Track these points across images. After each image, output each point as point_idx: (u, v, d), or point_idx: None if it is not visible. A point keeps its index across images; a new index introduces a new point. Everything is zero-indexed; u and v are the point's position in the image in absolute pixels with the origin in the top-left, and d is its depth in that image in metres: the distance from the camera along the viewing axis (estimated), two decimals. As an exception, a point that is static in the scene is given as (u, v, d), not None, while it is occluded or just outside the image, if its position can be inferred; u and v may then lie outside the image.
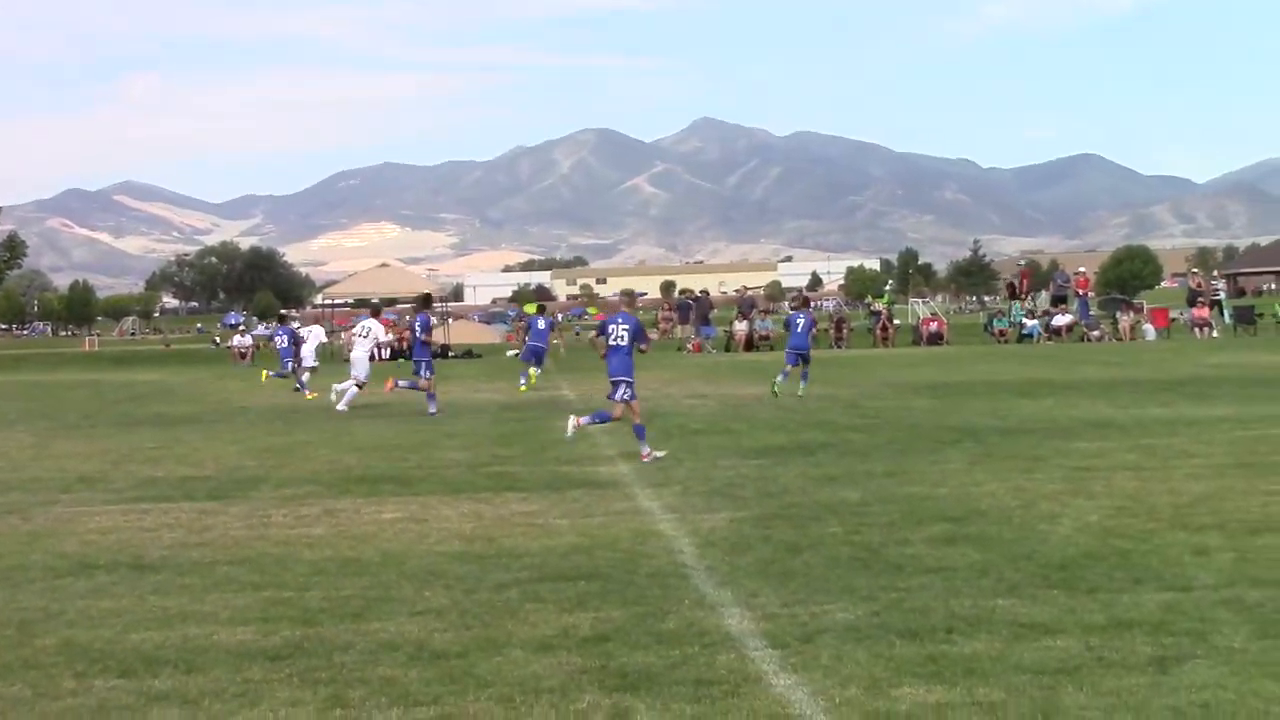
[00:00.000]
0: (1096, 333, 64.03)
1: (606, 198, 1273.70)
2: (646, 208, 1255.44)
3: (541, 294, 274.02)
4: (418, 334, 32.66)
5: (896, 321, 71.81)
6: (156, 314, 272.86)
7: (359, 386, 32.98)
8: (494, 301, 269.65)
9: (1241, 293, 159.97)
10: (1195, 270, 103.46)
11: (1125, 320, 66.71)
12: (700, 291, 74.63)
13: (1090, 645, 9.25)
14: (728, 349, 63.40)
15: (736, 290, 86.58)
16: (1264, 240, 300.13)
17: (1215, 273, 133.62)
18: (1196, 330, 64.88)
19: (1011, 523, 14.16)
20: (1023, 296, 75.89)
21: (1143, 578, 11.33)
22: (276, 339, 44.77)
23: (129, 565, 13.14)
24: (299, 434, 26.37)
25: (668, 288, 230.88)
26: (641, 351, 22.39)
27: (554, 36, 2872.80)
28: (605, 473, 19.33)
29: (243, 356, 67.48)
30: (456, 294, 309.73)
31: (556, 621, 10.34)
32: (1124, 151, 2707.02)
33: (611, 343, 21.84)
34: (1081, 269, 78.33)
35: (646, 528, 14.54)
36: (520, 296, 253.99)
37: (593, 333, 26.38)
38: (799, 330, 33.74)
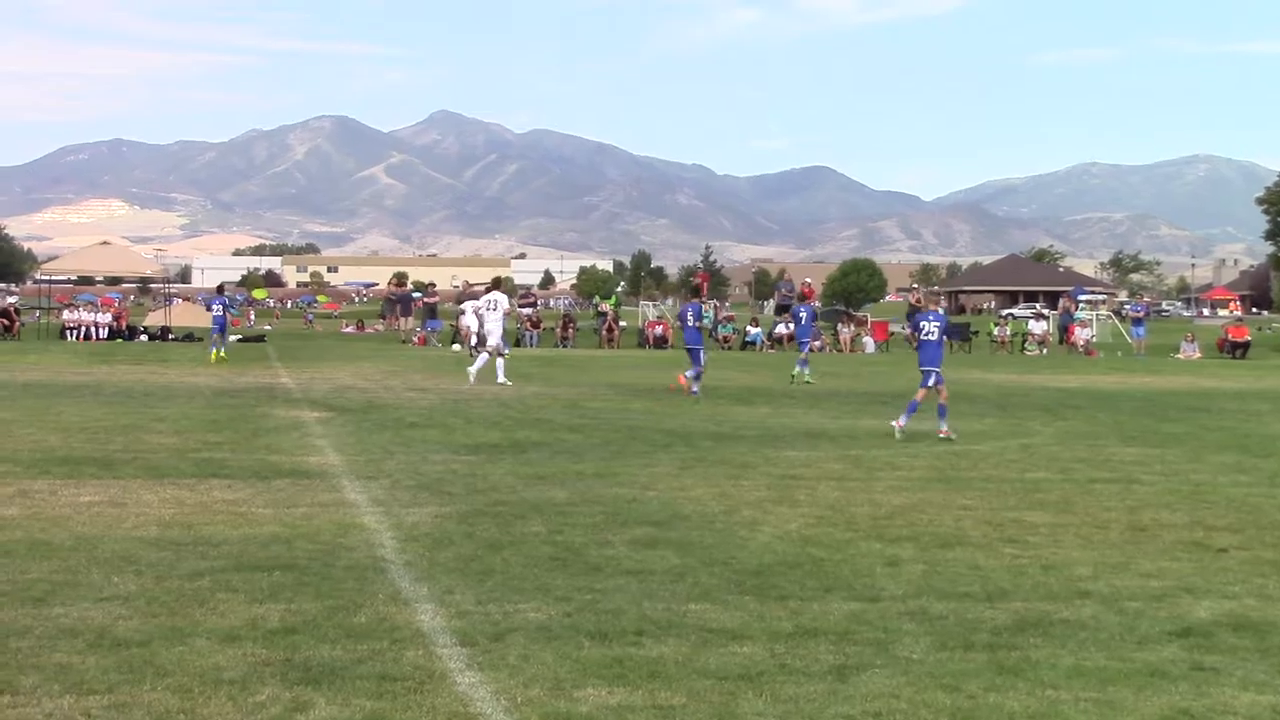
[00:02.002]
0: (818, 343, 65.10)
1: (342, 186, 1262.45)
2: (382, 198, 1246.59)
3: (271, 279, 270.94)
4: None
5: (623, 323, 72.29)
6: None
7: (501, 355, 36.16)
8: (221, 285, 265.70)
9: (962, 310, 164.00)
10: (916, 285, 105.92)
11: (846, 332, 67.99)
12: (429, 285, 74.25)
13: (774, 652, 9.38)
14: (454, 342, 63.19)
15: (456, 285, 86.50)
16: (986, 259, 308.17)
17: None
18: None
19: (713, 528, 14.31)
20: (704, 300, 77.21)
21: (833, 586, 11.53)
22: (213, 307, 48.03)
23: None
24: (2, 412, 25.64)
25: (400, 279, 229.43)
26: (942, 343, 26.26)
27: (294, 20, 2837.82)
28: (314, 463, 19.13)
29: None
30: (184, 276, 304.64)
31: (246, 612, 10.19)
32: (856, 166, 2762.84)
33: (923, 337, 25.17)
34: (807, 279, 79.69)
35: (350, 520, 14.41)
36: (249, 281, 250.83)
37: (908, 330, 29.71)
38: (803, 323, 40.35)
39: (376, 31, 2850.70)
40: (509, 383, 34.92)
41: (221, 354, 45.22)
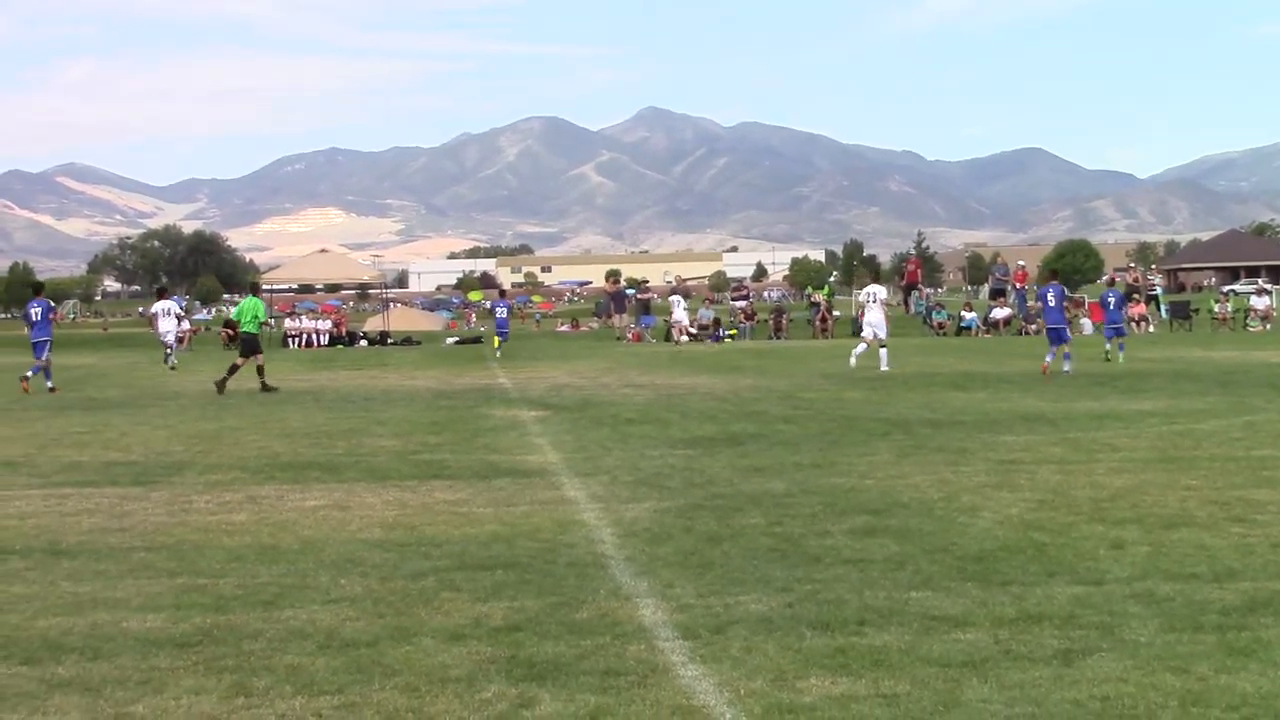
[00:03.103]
0: (1034, 326, 64.26)
1: (553, 186, 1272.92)
2: (593, 196, 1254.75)
3: (486, 281, 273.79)
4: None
5: (836, 313, 71.93)
6: (98, 297, 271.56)
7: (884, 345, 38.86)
8: (438, 289, 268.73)
9: (1182, 288, 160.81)
10: (1133, 265, 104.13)
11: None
12: (640, 281, 74.52)
13: (998, 638, 9.26)
14: (667, 338, 63.35)
15: (669, 280, 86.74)
16: (1205, 235, 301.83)
17: (1153, 268, 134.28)
18: (1134, 325, 65.20)
19: (932, 515, 14.18)
20: (918, 288, 76.56)
21: (1057, 571, 11.35)
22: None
23: (44, 550, 13.05)
24: (229, 419, 26.23)
25: (615, 276, 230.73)
26: None
27: (502, 24, 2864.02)
28: (533, 462, 19.29)
29: (180, 341, 66.95)
30: (401, 281, 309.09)
31: (470, 611, 10.30)
32: (1069, 146, 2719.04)
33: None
34: (1021, 262, 78.75)
35: (569, 517, 14.51)
36: (465, 283, 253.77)
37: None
38: (1052, 304, 37.55)
39: (584, 31, 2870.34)
40: (888, 369, 37.28)
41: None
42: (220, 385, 33.16)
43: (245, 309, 35.67)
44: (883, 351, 38.06)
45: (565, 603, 10.49)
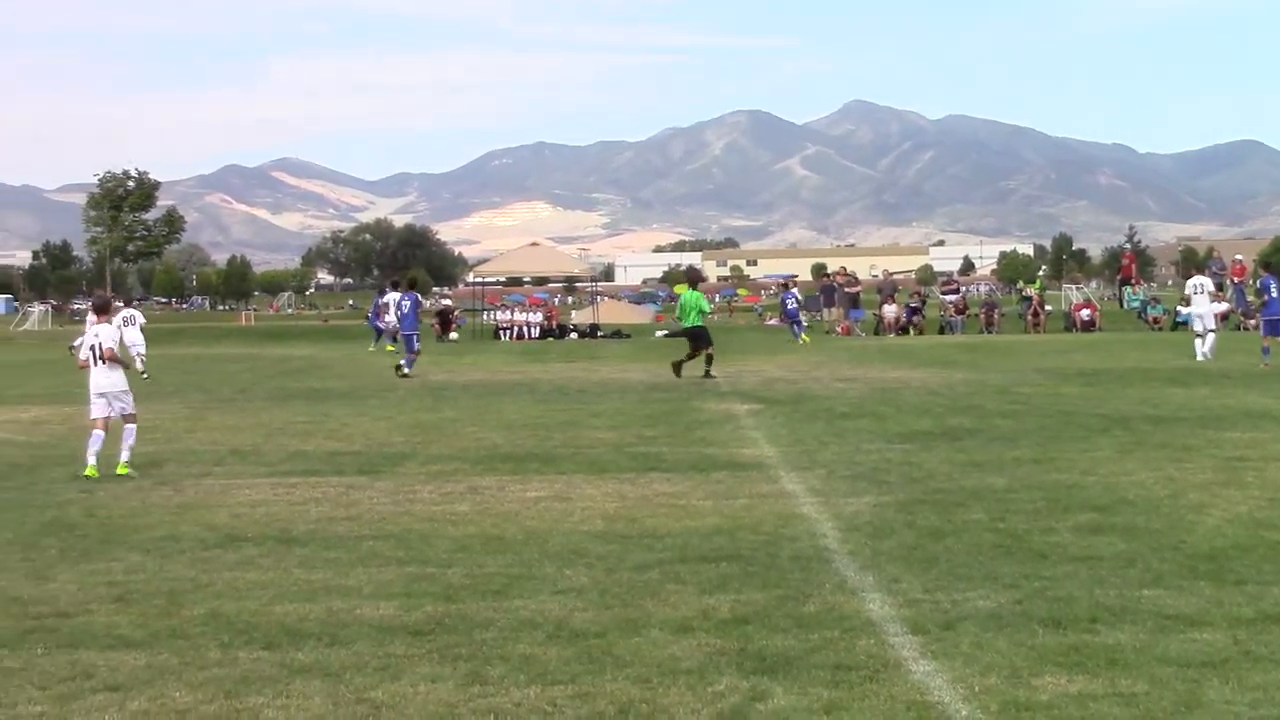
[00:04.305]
0: (1253, 320, 62.92)
1: (758, 179, 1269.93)
2: (798, 190, 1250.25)
3: (692, 275, 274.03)
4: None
5: (1048, 307, 70.98)
6: (311, 290, 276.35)
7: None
8: (644, 282, 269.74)
9: None
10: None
11: None
12: (849, 273, 74.09)
13: (1237, 638, 9.11)
14: (876, 332, 63.01)
15: (878, 274, 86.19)
16: None
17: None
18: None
19: (1159, 512, 13.96)
20: (1134, 283, 75.22)
21: (1292, 571, 11.14)
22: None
23: (276, 538, 13.35)
24: (447, 411, 26.57)
25: (819, 270, 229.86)
26: None
27: (708, 17, 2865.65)
28: (750, 455, 19.30)
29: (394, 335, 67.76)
30: (608, 274, 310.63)
31: (696, 603, 10.36)
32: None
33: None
34: (1238, 256, 77.07)
35: (790, 511, 14.52)
36: (671, 277, 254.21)
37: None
38: (1275, 295, 36.69)
39: (790, 24, 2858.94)
40: (1207, 359, 37.79)
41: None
42: (677, 369, 34.16)
43: (688, 303, 36.14)
44: (1210, 337, 38.63)
45: (791, 596, 10.51)
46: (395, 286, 55.51)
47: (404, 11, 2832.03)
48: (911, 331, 62.42)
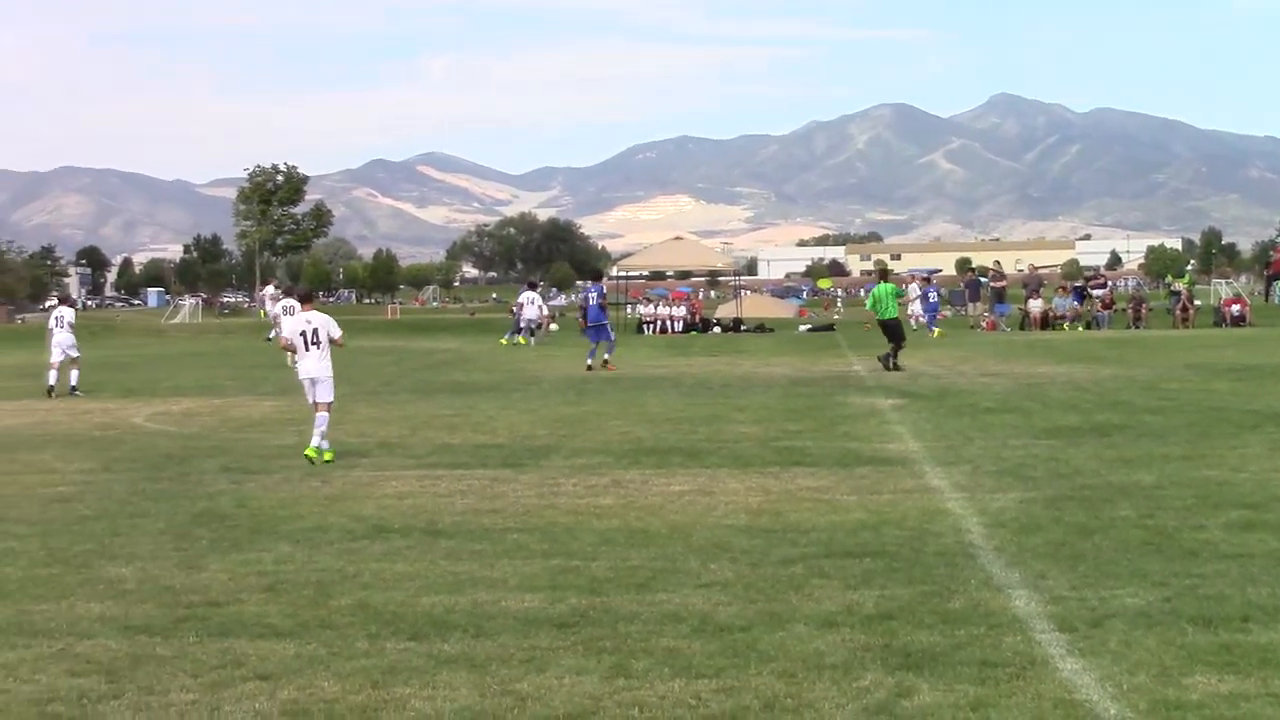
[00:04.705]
0: None
1: (902, 173, 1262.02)
2: (942, 184, 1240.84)
3: (835, 269, 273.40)
4: None
5: (1197, 302, 70.02)
6: (456, 283, 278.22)
7: None
8: (787, 276, 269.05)
9: None
10: None
11: None
12: (994, 263, 73.46)
13: (1396, 640, 8.94)
14: (1022, 327, 62.43)
15: (1026, 268, 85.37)
16: None
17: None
18: None
19: (1314, 511, 13.72)
20: None
21: None
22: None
23: (423, 530, 13.48)
24: (591, 404, 26.69)
25: (963, 264, 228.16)
26: None
27: (853, 9, 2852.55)
28: (894, 450, 19.21)
29: (539, 327, 67.83)
30: (751, 268, 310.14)
31: (841, 598, 10.33)
32: None
33: None
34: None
35: (934, 506, 14.44)
36: (814, 271, 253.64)
37: None
38: None
39: (935, 16, 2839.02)
40: None
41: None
42: (885, 361, 34.68)
43: (882, 295, 36.38)
44: None
45: (936, 592, 10.45)
46: (533, 286, 57.69)
47: (547, 5, 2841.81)
48: (1065, 325, 61.72)
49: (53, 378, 32.22)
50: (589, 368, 36.94)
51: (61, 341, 32.70)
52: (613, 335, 39.04)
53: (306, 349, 19.60)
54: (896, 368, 34.03)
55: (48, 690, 8.48)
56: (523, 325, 55.10)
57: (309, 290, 22.50)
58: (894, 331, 35.51)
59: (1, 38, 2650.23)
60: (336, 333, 19.82)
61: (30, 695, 8.39)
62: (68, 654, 9.29)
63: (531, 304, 55.46)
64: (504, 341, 55.39)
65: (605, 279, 48.73)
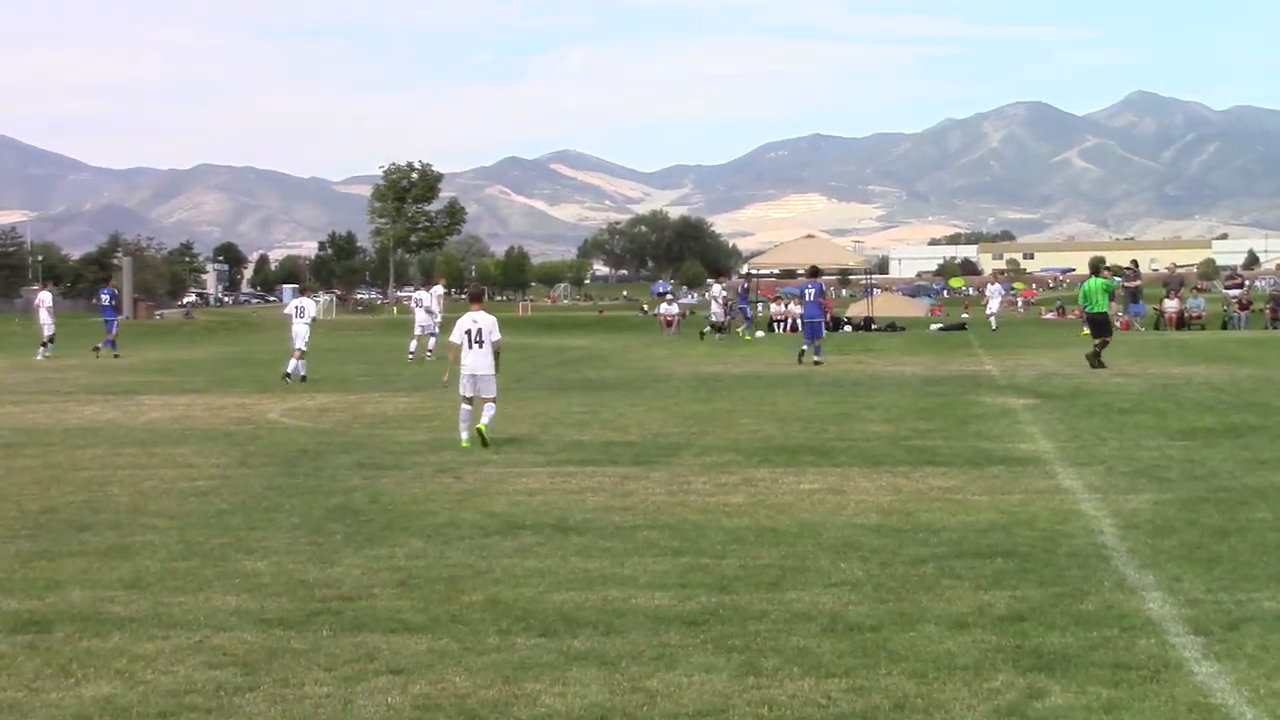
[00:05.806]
0: None
1: (1036, 172, 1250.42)
2: (1077, 183, 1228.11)
3: (967, 268, 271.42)
4: None
5: (1339, 302, 68.82)
6: (587, 281, 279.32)
7: None
8: (919, 275, 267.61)
9: None
10: None
11: None
12: (1130, 262, 72.67)
13: None
14: (1157, 327, 61.72)
15: (1166, 268, 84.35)
16: None
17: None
18: None
19: None
20: None
21: None
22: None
23: (553, 526, 13.54)
24: (721, 402, 26.71)
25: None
26: None
27: (986, 7, 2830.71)
28: (1026, 450, 19.07)
29: (669, 325, 67.84)
30: (882, 267, 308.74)
31: (972, 599, 10.28)
32: None
33: None
34: None
35: (1067, 507, 14.32)
36: (946, 270, 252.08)
37: None
38: None
39: (1070, 13, 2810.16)
40: None
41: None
42: (1092, 359, 34.42)
43: (1093, 290, 36.43)
44: None
45: (1069, 594, 10.37)
46: (717, 276, 58.66)
47: (679, 3, 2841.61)
48: (1193, 326, 60.95)
49: (291, 365, 34.01)
50: (800, 360, 38.02)
51: (300, 333, 35.09)
52: (823, 333, 39.61)
53: (470, 347, 20.36)
54: (1100, 364, 33.77)
55: (185, 682, 8.61)
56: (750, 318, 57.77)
57: (481, 289, 22.86)
58: (1101, 325, 35.72)
59: (141, 40, 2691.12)
60: (497, 335, 20.61)
61: (168, 687, 8.52)
62: (204, 646, 9.42)
63: (669, 302, 56.86)
64: (747, 337, 57.84)
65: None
